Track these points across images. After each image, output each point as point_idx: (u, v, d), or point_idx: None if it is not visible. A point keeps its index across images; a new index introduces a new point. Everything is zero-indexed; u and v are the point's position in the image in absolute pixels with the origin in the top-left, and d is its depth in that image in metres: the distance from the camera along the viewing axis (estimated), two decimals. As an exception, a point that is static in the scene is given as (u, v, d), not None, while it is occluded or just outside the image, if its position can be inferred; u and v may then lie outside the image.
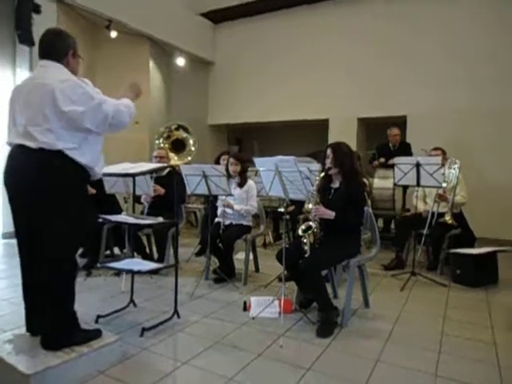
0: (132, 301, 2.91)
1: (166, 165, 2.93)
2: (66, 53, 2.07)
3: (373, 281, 3.69)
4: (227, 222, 3.78)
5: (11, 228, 2.13)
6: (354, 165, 2.88)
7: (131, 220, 2.64)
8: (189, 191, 3.62)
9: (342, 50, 6.80)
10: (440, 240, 4.07)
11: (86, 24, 6.24)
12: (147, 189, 3.76)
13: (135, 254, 3.79)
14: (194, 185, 3.52)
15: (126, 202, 3.92)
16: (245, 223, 3.81)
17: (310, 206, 2.79)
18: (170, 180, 3.93)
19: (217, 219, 3.81)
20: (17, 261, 2.12)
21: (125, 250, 4.00)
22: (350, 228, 2.81)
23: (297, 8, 7.20)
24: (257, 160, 2.80)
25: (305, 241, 2.71)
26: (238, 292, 3.37)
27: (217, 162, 5.06)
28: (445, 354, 2.33)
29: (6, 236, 5.17)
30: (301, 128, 8.22)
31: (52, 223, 1.94)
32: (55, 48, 2.04)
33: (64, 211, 1.96)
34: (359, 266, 2.95)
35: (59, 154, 1.92)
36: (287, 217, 3.25)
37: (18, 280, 2.16)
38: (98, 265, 3.40)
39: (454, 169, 4.16)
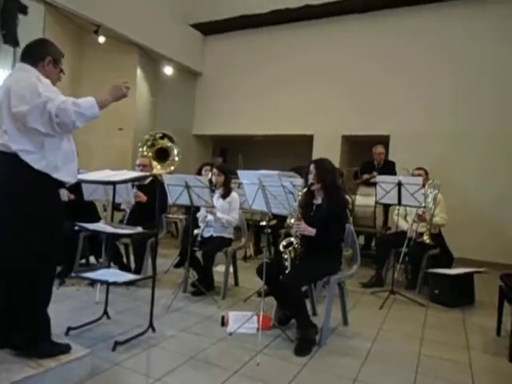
0: (106, 312, 2.82)
1: (148, 173, 2.86)
2: (43, 58, 2.03)
3: (352, 298, 3.69)
4: (207, 235, 3.73)
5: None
6: (336, 181, 2.90)
7: (109, 229, 2.57)
8: (170, 201, 3.56)
9: (329, 66, 6.91)
10: (419, 259, 4.11)
11: (73, 27, 6.18)
12: (127, 196, 3.68)
13: (112, 263, 3.68)
14: (175, 195, 3.47)
15: (105, 209, 3.83)
16: (226, 235, 3.76)
17: (292, 220, 2.78)
18: (152, 189, 3.87)
19: (196, 231, 3.75)
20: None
21: (101, 260, 3.89)
22: (331, 244, 2.80)
23: (283, 25, 7.32)
24: (240, 173, 2.79)
25: (285, 256, 2.69)
26: (217, 306, 3.31)
27: (198, 173, 5.03)
28: (421, 374, 2.33)
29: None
30: (285, 142, 8.27)
31: (14, 225, 1.90)
32: (32, 52, 2.04)
33: (24, 216, 1.90)
34: (339, 283, 2.94)
35: (15, 157, 1.88)
36: (269, 231, 3.23)
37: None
38: (73, 274, 3.28)
39: (431, 191, 4.20)
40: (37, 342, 1.96)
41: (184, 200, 3.44)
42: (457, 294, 3.73)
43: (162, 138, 6.66)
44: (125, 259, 4.18)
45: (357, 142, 7.32)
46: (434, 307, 3.66)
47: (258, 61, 7.57)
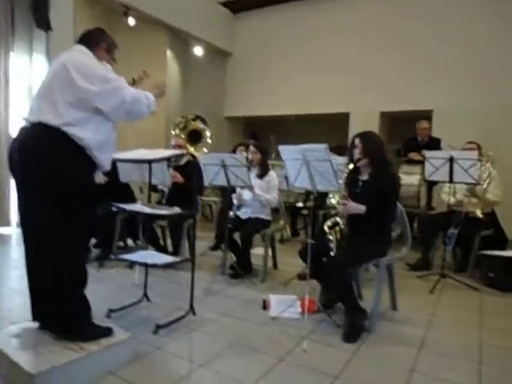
0: (145, 295, 2.76)
1: (185, 151, 2.76)
2: (98, 43, 2.10)
3: (399, 282, 3.46)
4: (245, 216, 3.60)
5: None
6: (385, 155, 2.67)
7: (147, 210, 2.49)
8: (206, 182, 3.44)
9: (365, 44, 6.52)
10: (470, 240, 3.82)
11: (103, 10, 6.10)
12: (163, 178, 3.60)
13: (149, 246, 3.65)
14: (211, 175, 3.34)
15: (141, 191, 3.77)
16: (264, 217, 3.62)
17: (333, 201, 2.59)
18: (188, 169, 3.77)
19: (231, 213, 3.62)
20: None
21: (138, 242, 3.86)
22: (380, 224, 2.59)
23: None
24: (282, 148, 2.61)
25: (331, 238, 2.52)
26: (256, 289, 3.20)
27: (233, 153, 4.88)
28: (486, 365, 2.12)
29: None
30: (319, 122, 7.96)
31: (50, 205, 1.82)
32: (89, 35, 2.12)
33: (60, 193, 1.82)
34: (388, 266, 2.74)
35: (57, 130, 1.82)
36: (308, 212, 3.05)
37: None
38: (112, 256, 3.26)
39: (486, 166, 3.87)
40: (76, 330, 1.91)
41: (220, 180, 3.30)
42: (514, 278, 3.43)
43: (194, 119, 6.53)
44: (162, 242, 4.14)
45: (395, 119, 6.94)
46: (489, 292, 3.40)
47: (290, 38, 7.24)
